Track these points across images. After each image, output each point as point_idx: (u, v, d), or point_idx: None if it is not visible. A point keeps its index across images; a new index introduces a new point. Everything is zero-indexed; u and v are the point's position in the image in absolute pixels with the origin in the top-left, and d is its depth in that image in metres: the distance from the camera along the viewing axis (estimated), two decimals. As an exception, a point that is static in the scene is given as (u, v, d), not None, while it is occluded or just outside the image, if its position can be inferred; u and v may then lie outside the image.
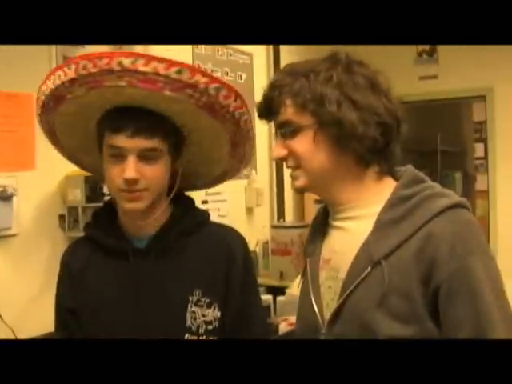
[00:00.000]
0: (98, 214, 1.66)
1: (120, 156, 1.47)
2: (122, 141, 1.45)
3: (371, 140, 1.31)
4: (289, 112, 1.34)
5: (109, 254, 1.59)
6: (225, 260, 1.59)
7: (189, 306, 1.54)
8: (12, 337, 2.45)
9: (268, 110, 1.38)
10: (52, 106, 1.51)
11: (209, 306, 1.55)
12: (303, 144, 1.34)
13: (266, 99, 1.38)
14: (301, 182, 1.38)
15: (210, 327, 1.55)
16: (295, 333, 1.55)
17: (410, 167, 1.40)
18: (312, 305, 1.39)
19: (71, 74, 1.41)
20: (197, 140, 1.57)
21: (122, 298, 1.56)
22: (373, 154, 1.33)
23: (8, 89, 2.42)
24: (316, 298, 1.39)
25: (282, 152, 1.37)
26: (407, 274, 1.24)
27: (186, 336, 1.53)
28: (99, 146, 1.53)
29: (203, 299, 1.55)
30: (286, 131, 1.36)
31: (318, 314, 1.37)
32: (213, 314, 1.55)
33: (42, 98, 1.50)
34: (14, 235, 2.56)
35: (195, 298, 1.55)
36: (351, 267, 1.32)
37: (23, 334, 2.47)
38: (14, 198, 2.47)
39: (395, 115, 1.35)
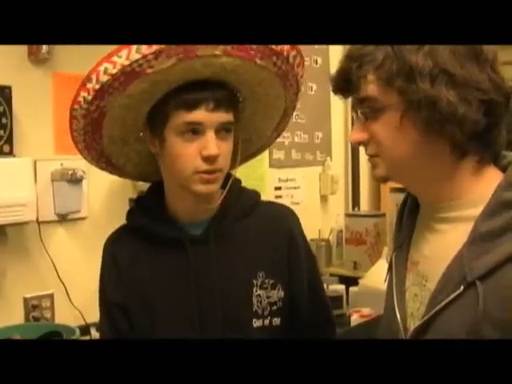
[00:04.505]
0: (144, 199, 1.58)
1: (196, 133, 1.39)
2: (201, 115, 1.38)
3: (473, 123, 1.07)
4: (371, 88, 1.11)
5: (161, 243, 1.51)
6: (285, 238, 1.54)
7: (254, 289, 1.49)
8: (81, 320, 2.47)
9: (345, 85, 1.17)
10: (118, 86, 1.36)
11: (273, 287, 1.50)
12: (386, 128, 1.12)
13: (343, 72, 1.16)
14: (381, 171, 1.18)
15: (275, 308, 1.50)
16: (378, 331, 1.36)
17: None
18: (395, 311, 1.23)
19: (156, 46, 1.30)
20: (250, 111, 1.51)
21: (181, 289, 1.49)
22: (473, 141, 1.10)
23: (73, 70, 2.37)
24: (400, 304, 1.23)
25: (362, 136, 1.16)
26: (506, 302, 1.04)
27: (253, 321, 1.48)
28: (155, 131, 1.45)
29: (267, 281, 1.50)
30: (367, 111, 1.14)
31: (400, 324, 1.21)
32: (277, 294, 1.51)
33: (105, 78, 1.35)
34: (83, 218, 2.56)
35: (259, 281, 1.50)
36: (441, 282, 1.13)
37: (92, 318, 2.47)
38: (84, 182, 2.46)
39: (503, 90, 1.10)
